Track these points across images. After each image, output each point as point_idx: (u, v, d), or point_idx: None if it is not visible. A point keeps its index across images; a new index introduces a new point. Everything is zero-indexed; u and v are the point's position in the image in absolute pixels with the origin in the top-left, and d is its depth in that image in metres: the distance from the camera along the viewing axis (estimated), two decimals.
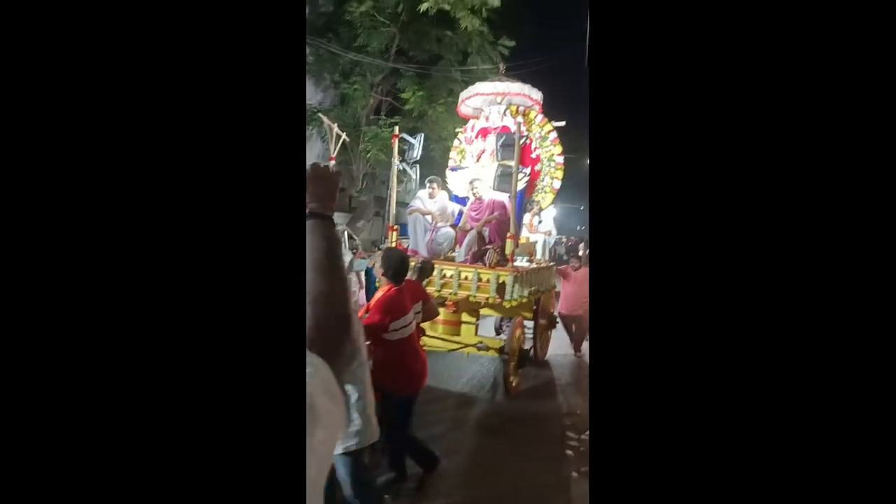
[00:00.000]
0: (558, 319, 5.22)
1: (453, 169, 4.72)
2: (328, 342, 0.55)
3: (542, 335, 4.93)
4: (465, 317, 4.06)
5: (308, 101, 8.03)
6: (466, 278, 3.70)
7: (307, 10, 7.99)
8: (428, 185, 4.33)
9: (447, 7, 7.07)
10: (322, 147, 8.22)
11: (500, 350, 3.80)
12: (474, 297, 3.67)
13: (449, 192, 4.71)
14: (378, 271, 2.34)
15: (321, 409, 0.48)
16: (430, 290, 3.58)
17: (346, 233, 4.38)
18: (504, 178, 3.71)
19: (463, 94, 4.71)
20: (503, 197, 3.96)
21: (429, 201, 4.24)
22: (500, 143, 3.69)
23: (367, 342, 2.01)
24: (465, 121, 5.04)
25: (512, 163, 3.68)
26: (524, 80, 4.56)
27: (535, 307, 4.75)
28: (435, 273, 3.67)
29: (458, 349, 3.78)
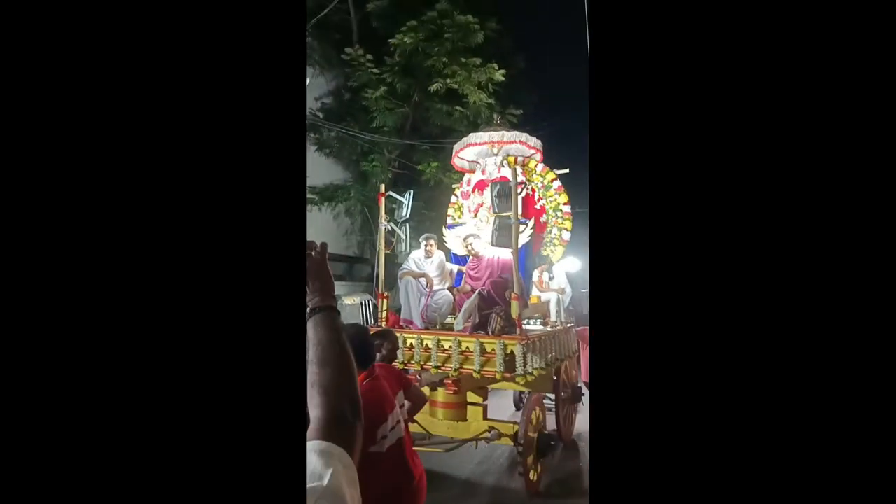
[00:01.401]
0: (584, 391, 4.47)
1: (450, 226, 4.30)
2: (346, 431, 0.56)
3: (566, 412, 4.18)
4: (471, 396, 3.40)
5: (333, 180, 8.75)
6: (468, 350, 3.11)
7: (324, 94, 8.97)
8: (424, 242, 3.89)
9: (455, 86, 7.65)
10: (348, 224, 8.95)
11: (515, 438, 3.11)
12: (478, 372, 3.06)
13: (447, 251, 4.26)
14: None
15: (350, 500, 0.48)
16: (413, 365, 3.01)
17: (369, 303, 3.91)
18: (503, 231, 3.23)
19: (456, 147, 4.40)
20: (505, 253, 3.47)
21: (425, 262, 3.76)
22: (495, 192, 3.26)
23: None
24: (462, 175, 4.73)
25: (510, 214, 3.23)
26: (521, 127, 4.24)
27: (554, 378, 4.07)
28: (414, 342, 3.11)
29: (458, 446, 3.09)
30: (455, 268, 4.01)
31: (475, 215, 4.29)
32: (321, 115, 8.71)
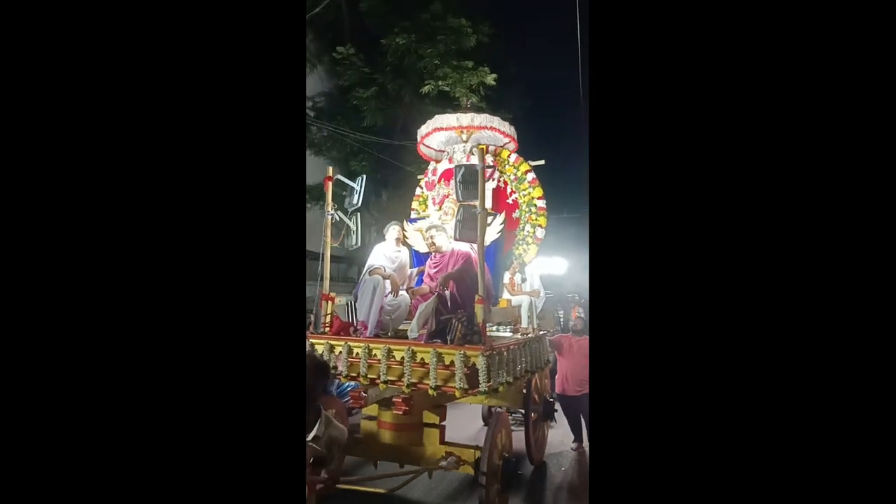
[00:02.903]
0: (557, 406, 4.04)
1: (411, 220, 3.80)
2: None
3: (537, 430, 3.74)
4: (427, 416, 2.91)
5: (318, 180, 8.61)
6: (423, 361, 2.62)
7: (316, 93, 8.81)
8: (392, 229, 3.38)
9: (447, 88, 7.65)
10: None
11: (477, 466, 2.63)
12: (434, 389, 2.57)
13: (409, 247, 3.77)
14: None
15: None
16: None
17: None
18: (468, 223, 2.76)
19: (421, 131, 3.91)
20: (470, 248, 3.00)
21: (394, 253, 3.26)
22: (459, 177, 2.79)
23: None
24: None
25: (476, 203, 2.76)
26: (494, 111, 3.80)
27: (524, 391, 3.62)
28: (360, 352, 2.61)
29: (407, 482, 2.59)
30: (413, 270, 3.51)
31: (440, 208, 3.81)
32: (312, 113, 8.62)
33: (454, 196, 3.02)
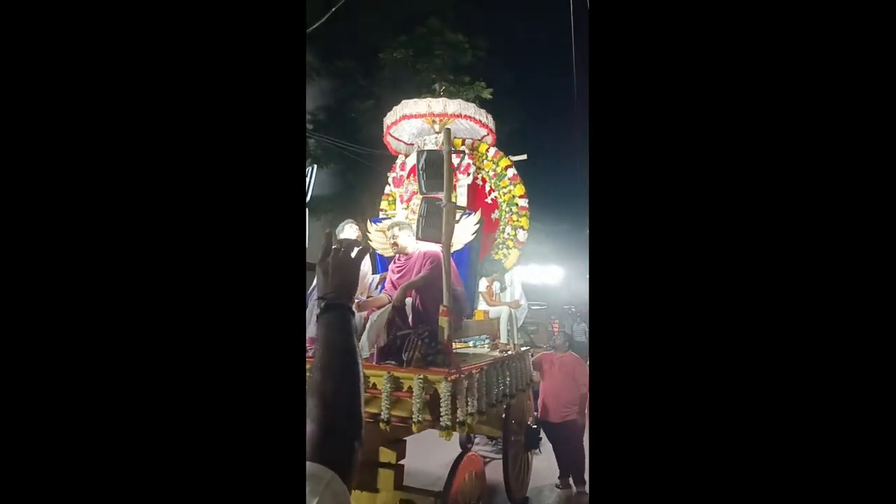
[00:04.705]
0: (542, 434, 3.54)
1: (375, 220, 3.32)
2: (340, 451, 0.51)
3: (518, 462, 3.24)
4: (382, 452, 2.40)
5: (318, 192, 8.39)
6: (374, 387, 2.13)
7: (315, 107, 8.74)
8: (347, 229, 2.89)
9: None
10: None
11: None
12: (386, 422, 2.08)
13: (371, 250, 3.28)
14: None
15: None
16: None
17: None
18: (432, 219, 2.30)
19: (387, 120, 3.45)
20: (439, 249, 2.53)
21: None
22: (421, 164, 2.34)
23: None
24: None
25: (441, 195, 2.30)
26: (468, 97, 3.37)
27: (503, 416, 3.13)
28: None
29: None
30: (377, 277, 3.03)
31: (407, 206, 3.35)
32: (311, 126, 8.62)
33: (417, 188, 2.56)
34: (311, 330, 2.44)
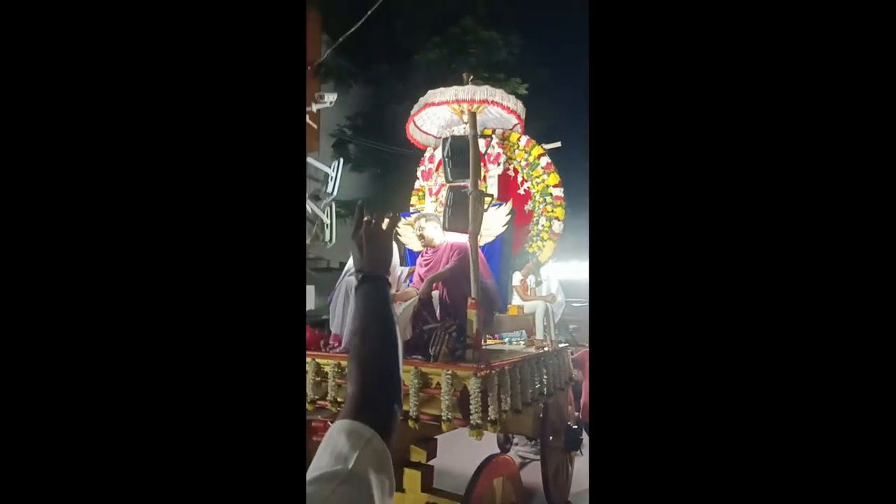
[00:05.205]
0: (584, 435, 3.35)
1: (403, 214, 3.25)
2: (380, 412, 0.52)
3: (556, 464, 3.06)
4: (413, 451, 2.32)
5: (358, 196, 8.96)
6: (402, 383, 2.06)
7: (353, 112, 9.09)
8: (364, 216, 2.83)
9: None
10: None
11: None
12: (415, 419, 1.99)
13: (401, 245, 3.22)
14: None
15: (378, 487, 0.44)
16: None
17: None
18: (458, 209, 2.19)
19: (413, 110, 3.37)
20: (467, 240, 2.42)
21: None
22: (446, 151, 2.23)
23: None
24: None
25: (468, 182, 2.19)
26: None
27: (541, 416, 2.97)
28: (330, 371, 2.06)
29: None
30: (406, 270, 2.95)
31: (436, 198, 3.26)
32: (350, 131, 8.75)
33: (444, 177, 2.46)
34: (340, 301, 2.38)
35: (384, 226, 0.68)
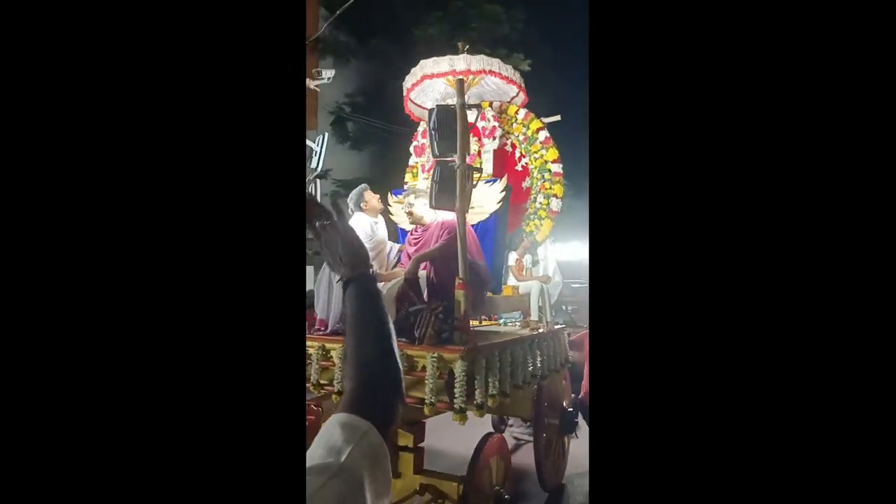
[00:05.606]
0: (578, 418, 3.29)
1: (395, 192, 3.14)
2: (378, 405, 0.51)
3: (551, 447, 3.02)
4: (401, 436, 2.27)
5: (356, 175, 8.25)
6: None
7: (352, 89, 8.79)
8: (357, 198, 2.71)
9: None
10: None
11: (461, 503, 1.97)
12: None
13: (394, 224, 3.12)
14: None
15: (371, 481, 0.43)
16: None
17: None
18: (446, 185, 2.07)
19: (407, 83, 3.22)
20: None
21: (369, 227, 2.60)
22: (432, 122, 2.10)
23: None
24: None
25: (456, 157, 2.07)
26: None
27: (534, 398, 2.91)
28: (314, 353, 1.99)
29: None
30: (396, 246, 2.86)
31: (429, 175, 3.13)
32: (348, 108, 8.42)
33: (430, 152, 2.33)
34: (324, 285, 2.30)
35: (338, 224, 0.63)
